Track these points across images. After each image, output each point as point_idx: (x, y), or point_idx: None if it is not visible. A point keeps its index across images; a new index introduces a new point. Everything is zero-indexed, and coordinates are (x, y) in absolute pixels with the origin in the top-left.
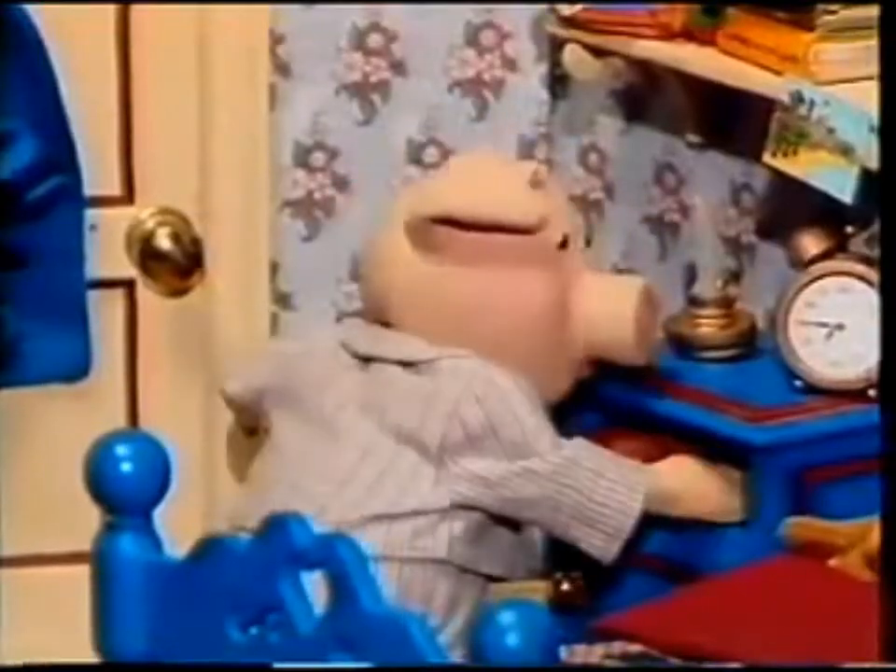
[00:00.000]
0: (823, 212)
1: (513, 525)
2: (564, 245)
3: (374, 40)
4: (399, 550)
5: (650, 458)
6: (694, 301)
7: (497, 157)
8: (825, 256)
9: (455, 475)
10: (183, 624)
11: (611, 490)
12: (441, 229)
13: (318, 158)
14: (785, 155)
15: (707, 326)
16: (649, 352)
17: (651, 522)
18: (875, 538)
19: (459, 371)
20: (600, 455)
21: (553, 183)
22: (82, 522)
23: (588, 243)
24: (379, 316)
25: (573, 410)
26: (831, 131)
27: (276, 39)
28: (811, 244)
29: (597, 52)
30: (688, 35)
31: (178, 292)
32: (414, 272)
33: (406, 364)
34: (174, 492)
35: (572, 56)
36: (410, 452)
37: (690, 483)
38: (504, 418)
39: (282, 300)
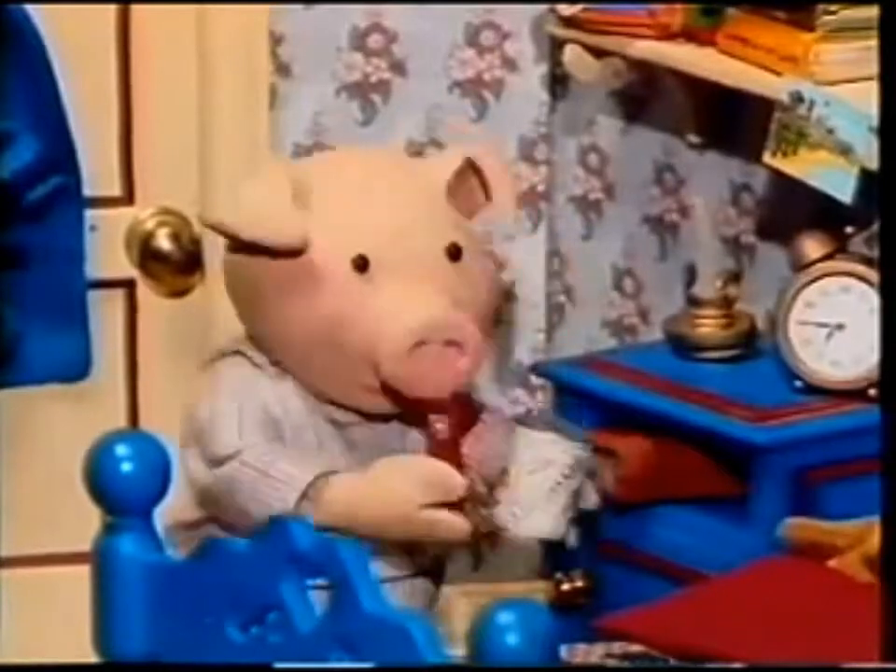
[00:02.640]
0: (823, 212)
1: None
2: (360, 266)
3: (374, 40)
4: None
5: (650, 458)
6: (694, 301)
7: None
8: (825, 257)
9: None
10: (183, 624)
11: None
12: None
13: None
14: (785, 155)
15: (707, 326)
16: (416, 383)
17: (651, 521)
18: (874, 539)
19: None
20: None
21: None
22: (82, 522)
23: None
24: None
25: (573, 410)
26: (830, 131)
27: (276, 39)
28: (811, 247)
29: (597, 52)
30: (688, 35)
31: (178, 292)
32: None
33: None
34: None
35: (572, 56)
36: None
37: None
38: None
39: None
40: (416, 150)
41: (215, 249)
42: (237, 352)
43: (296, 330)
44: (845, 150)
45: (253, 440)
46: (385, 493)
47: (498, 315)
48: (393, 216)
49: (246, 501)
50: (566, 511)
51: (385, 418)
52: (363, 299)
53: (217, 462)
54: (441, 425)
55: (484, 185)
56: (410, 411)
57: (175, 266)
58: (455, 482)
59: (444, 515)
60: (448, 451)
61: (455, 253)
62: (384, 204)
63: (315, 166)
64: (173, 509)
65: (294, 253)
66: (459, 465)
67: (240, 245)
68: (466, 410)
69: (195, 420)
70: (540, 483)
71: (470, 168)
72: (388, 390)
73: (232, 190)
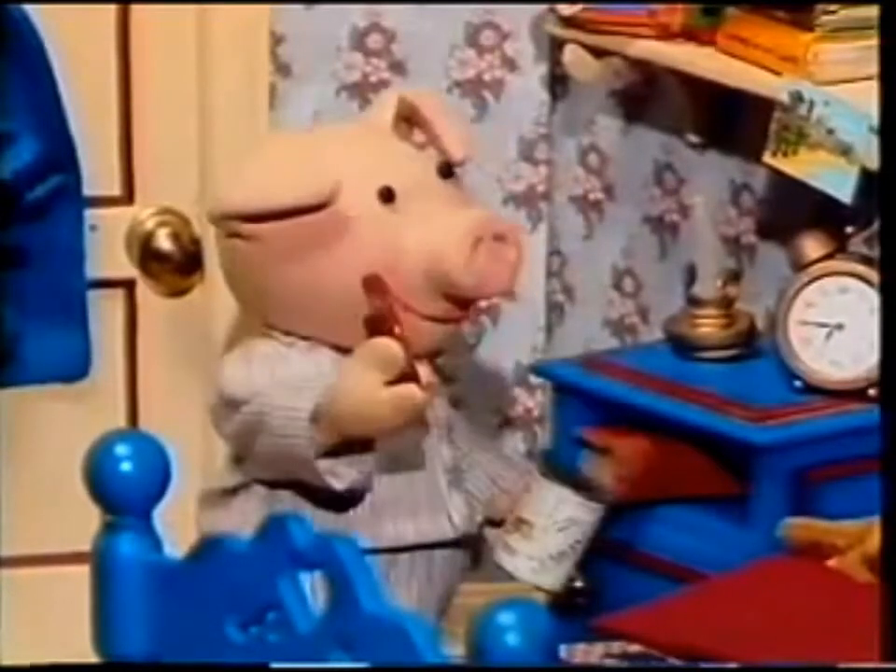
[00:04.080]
0: (823, 212)
1: None
2: (387, 198)
3: (374, 40)
4: None
5: (650, 458)
6: (694, 301)
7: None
8: (825, 257)
9: None
10: (183, 624)
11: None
12: (239, 226)
13: None
14: (785, 155)
15: (707, 326)
16: (484, 280)
17: (651, 521)
18: (874, 539)
19: None
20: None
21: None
22: (82, 522)
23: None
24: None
25: (573, 410)
26: (830, 131)
27: (276, 39)
28: (811, 247)
29: (597, 52)
30: (688, 35)
31: (178, 292)
32: (246, 263)
33: None
34: (173, 492)
35: (572, 56)
36: None
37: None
38: None
39: None
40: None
41: (215, 249)
42: (264, 335)
43: (332, 286)
44: (845, 150)
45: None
46: (353, 387)
47: None
48: (389, 150)
49: (272, 437)
50: (573, 566)
51: None
52: (400, 226)
53: (242, 402)
54: (378, 303)
55: (425, 124)
56: (461, 319)
57: (175, 266)
58: (393, 351)
59: (401, 386)
60: (385, 325)
61: (446, 171)
62: (377, 146)
63: (302, 135)
64: (211, 475)
65: (320, 207)
66: (397, 337)
67: (262, 218)
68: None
69: (228, 381)
70: (564, 541)
71: (408, 108)
72: (451, 299)
73: (237, 173)
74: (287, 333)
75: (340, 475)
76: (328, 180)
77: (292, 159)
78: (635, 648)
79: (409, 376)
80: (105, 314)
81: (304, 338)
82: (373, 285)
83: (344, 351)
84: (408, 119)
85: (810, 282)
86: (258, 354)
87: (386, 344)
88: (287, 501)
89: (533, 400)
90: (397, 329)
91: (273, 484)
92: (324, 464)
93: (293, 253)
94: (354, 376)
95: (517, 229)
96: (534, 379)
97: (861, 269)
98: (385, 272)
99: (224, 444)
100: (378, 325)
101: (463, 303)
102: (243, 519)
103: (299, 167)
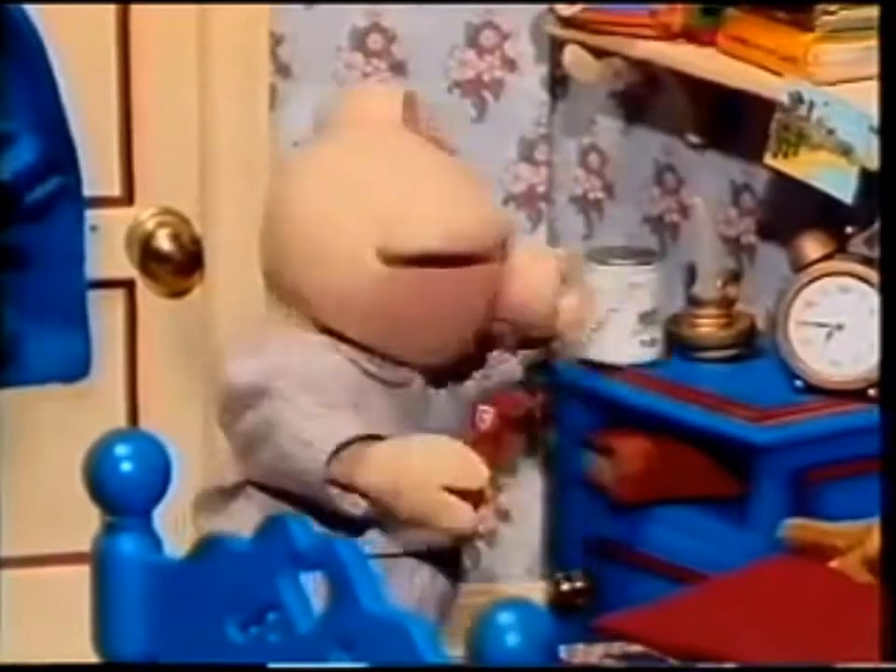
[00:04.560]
0: (823, 212)
1: None
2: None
3: (374, 40)
4: None
5: (650, 458)
6: (694, 301)
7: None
8: (825, 257)
9: None
10: (183, 624)
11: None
12: (414, 270)
13: None
14: (785, 156)
15: (707, 326)
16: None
17: (651, 521)
18: (874, 541)
19: None
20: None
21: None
22: (82, 522)
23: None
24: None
25: (573, 410)
26: (831, 131)
27: (276, 39)
28: (811, 247)
29: (597, 53)
30: (688, 35)
31: (178, 292)
32: (374, 282)
33: None
34: (173, 492)
35: (572, 56)
36: None
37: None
38: None
39: None
40: None
41: (215, 249)
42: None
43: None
44: (845, 150)
45: (293, 391)
46: (411, 464)
47: None
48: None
49: (285, 444)
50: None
51: (436, 377)
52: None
53: (254, 393)
54: (487, 416)
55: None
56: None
57: (175, 266)
58: (480, 473)
59: (456, 501)
60: (487, 443)
61: None
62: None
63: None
64: (210, 473)
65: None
66: (492, 461)
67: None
68: (512, 406)
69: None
70: None
71: (412, 105)
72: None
73: (442, 215)
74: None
75: (357, 503)
76: (506, 222)
77: (460, 198)
78: (635, 648)
79: (473, 497)
80: (105, 314)
81: (324, 331)
82: (502, 398)
83: (400, 364)
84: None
85: (810, 282)
86: (273, 340)
87: (477, 464)
88: (286, 507)
89: (533, 401)
90: (505, 452)
91: (270, 491)
92: (338, 492)
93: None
94: (421, 459)
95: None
96: (534, 379)
97: (861, 269)
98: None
99: (225, 440)
100: (484, 440)
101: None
102: (240, 524)
103: (476, 209)
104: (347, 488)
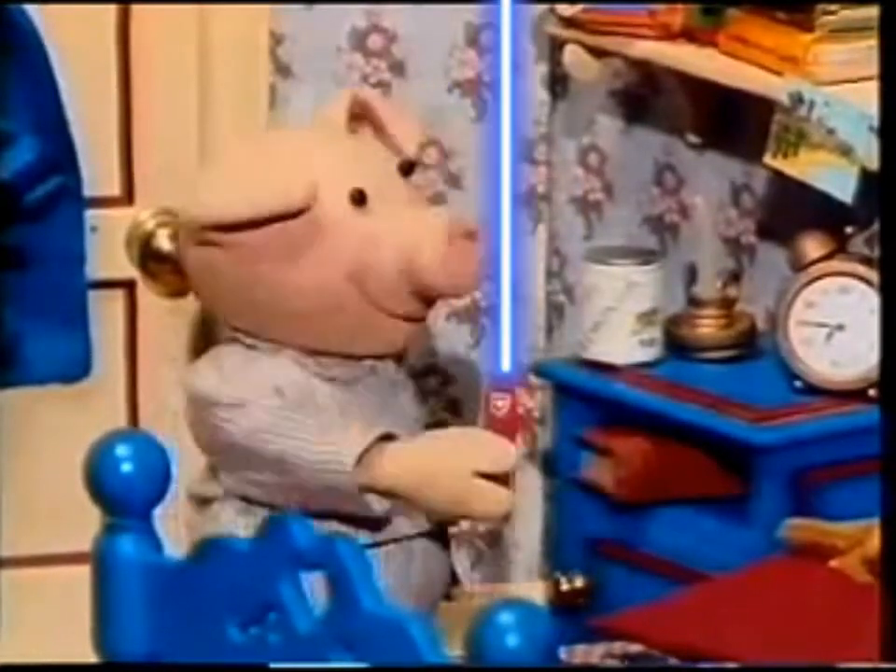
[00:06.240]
0: (823, 212)
1: None
2: (359, 200)
3: (374, 41)
4: None
5: (650, 458)
6: (694, 302)
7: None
8: (825, 257)
9: None
10: (183, 624)
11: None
12: (215, 235)
13: None
14: (786, 156)
15: (707, 326)
16: (458, 279)
17: (651, 521)
18: (874, 541)
19: None
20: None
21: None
22: (82, 522)
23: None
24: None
25: (573, 410)
26: (831, 131)
27: (276, 39)
28: (811, 247)
29: (597, 53)
30: (688, 35)
31: (178, 292)
32: (218, 269)
33: None
34: (173, 492)
35: (572, 56)
36: None
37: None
38: None
39: None
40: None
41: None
42: (231, 339)
43: (307, 289)
44: (845, 150)
45: (269, 400)
46: (443, 455)
47: None
48: (355, 151)
49: (296, 461)
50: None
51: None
52: (373, 228)
53: (234, 407)
54: (502, 402)
55: (377, 121)
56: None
57: (175, 266)
58: (510, 456)
59: (492, 485)
60: (507, 428)
61: (408, 169)
62: (342, 147)
63: (264, 138)
64: (191, 481)
65: (298, 213)
66: (513, 442)
67: (240, 227)
68: (524, 395)
69: (202, 390)
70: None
71: (360, 106)
72: (422, 298)
73: (209, 182)
74: (250, 335)
75: (382, 502)
76: (305, 186)
77: (264, 165)
78: (635, 648)
79: (502, 480)
80: (105, 314)
81: (268, 340)
82: (514, 384)
83: (309, 352)
84: (358, 117)
85: (810, 282)
86: (226, 358)
87: (507, 448)
88: (262, 514)
89: (533, 400)
90: (518, 438)
91: (248, 499)
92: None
93: (268, 259)
94: (454, 449)
95: (476, 226)
96: (534, 379)
97: (861, 269)
98: (360, 274)
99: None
100: (504, 425)
101: (430, 302)
102: (218, 526)
103: (274, 173)
104: (372, 490)
